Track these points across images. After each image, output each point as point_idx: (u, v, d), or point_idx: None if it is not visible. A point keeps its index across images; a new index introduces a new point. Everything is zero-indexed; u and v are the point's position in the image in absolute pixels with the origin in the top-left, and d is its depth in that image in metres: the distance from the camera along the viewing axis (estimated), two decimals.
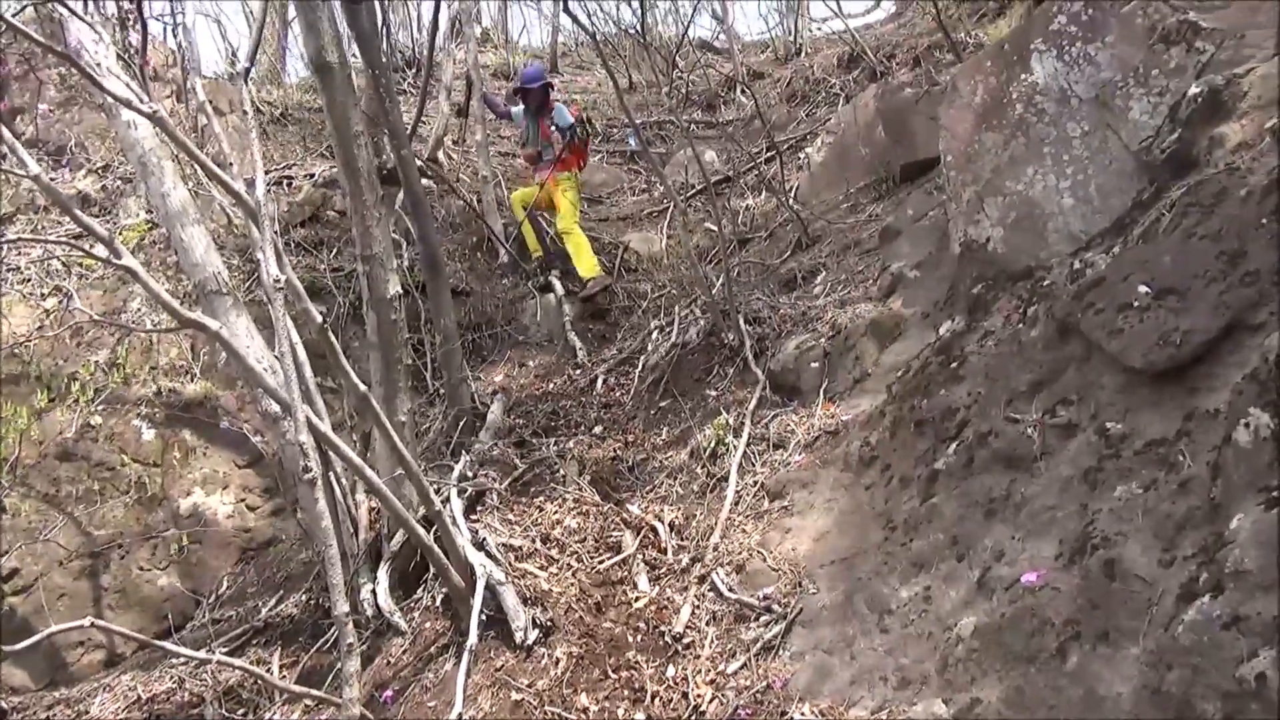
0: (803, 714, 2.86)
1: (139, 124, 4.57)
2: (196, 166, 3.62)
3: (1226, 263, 2.62)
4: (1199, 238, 2.79)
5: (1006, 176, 3.95)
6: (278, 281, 3.26)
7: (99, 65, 4.39)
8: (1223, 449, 2.23)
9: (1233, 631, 1.88)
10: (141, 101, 3.50)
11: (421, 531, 3.68)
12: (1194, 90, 3.33)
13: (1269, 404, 2.10)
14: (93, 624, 3.16)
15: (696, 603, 3.65)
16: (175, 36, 12.65)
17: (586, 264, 7.14)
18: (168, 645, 3.70)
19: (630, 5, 12.67)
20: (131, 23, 6.72)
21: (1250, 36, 3.44)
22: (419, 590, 4.18)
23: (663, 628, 3.57)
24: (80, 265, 6.07)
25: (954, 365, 3.65)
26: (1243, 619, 1.87)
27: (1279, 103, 3.00)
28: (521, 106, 7.56)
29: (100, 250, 3.07)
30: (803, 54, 11.47)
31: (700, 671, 3.28)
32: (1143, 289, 2.80)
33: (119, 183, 6.79)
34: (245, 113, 3.90)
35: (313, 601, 4.70)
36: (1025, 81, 3.92)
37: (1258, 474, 2.08)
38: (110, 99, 4.01)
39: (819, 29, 12.44)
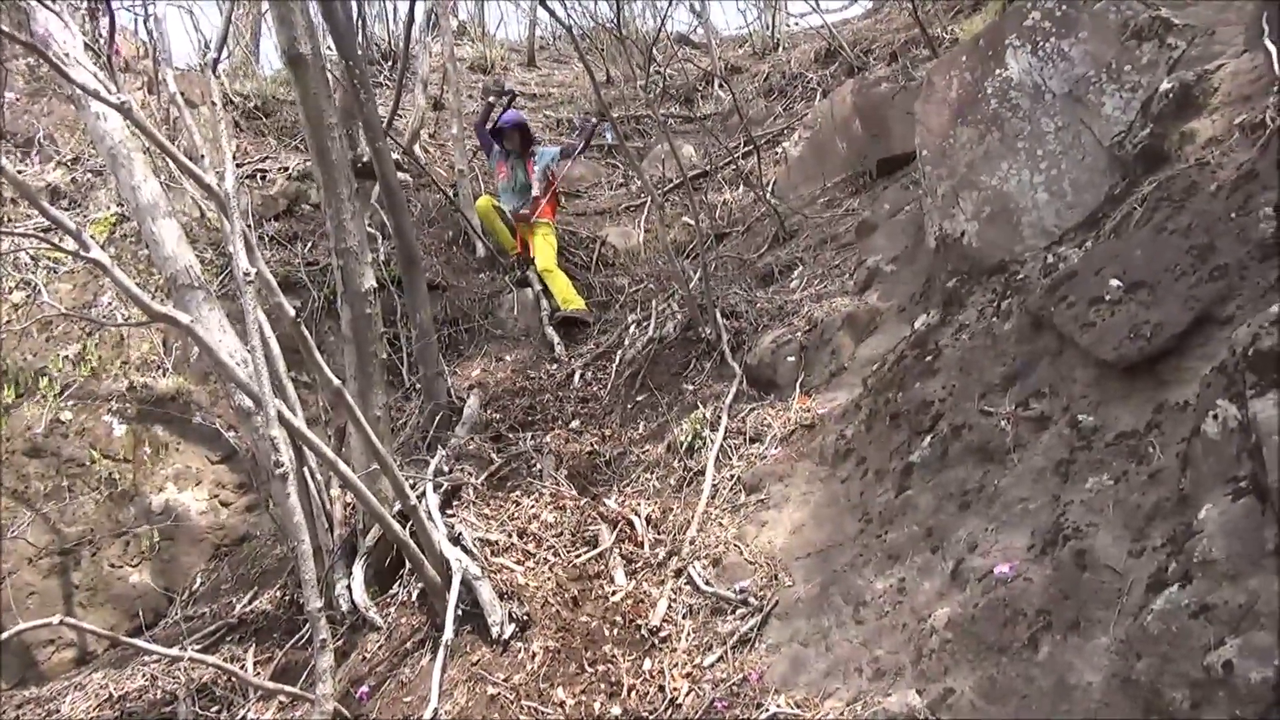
0: (778, 706, 2.87)
1: (108, 116, 4.50)
2: (168, 159, 3.58)
3: (1196, 257, 2.66)
4: (1169, 232, 2.82)
5: (981, 171, 3.97)
6: (248, 274, 3.24)
7: (67, 55, 4.32)
8: (1191, 440, 2.26)
9: (1201, 620, 1.90)
10: (110, 93, 3.45)
11: (397, 527, 3.67)
12: (1165, 86, 3.36)
13: (1236, 396, 2.13)
14: (63, 621, 3.14)
15: (673, 596, 3.66)
16: (146, 27, 12.47)
17: (565, 296, 6.94)
18: (140, 643, 3.67)
19: None
20: (100, 12, 6.61)
21: (1221, 33, 3.48)
22: (394, 585, 4.17)
23: (639, 621, 3.57)
24: (49, 259, 5.98)
25: (929, 359, 3.67)
26: (1210, 608, 1.90)
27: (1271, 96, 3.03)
28: (498, 148, 7.48)
29: (69, 243, 3.04)
30: (780, 49, 11.48)
31: (677, 665, 3.28)
32: (1114, 283, 2.83)
33: (89, 175, 6.69)
34: (214, 104, 3.85)
35: (287, 598, 4.67)
36: (1000, 76, 3.94)
37: (1226, 465, 2.11)
38: (78, 90, 3.95)
39: (796, 24, 12.47)
